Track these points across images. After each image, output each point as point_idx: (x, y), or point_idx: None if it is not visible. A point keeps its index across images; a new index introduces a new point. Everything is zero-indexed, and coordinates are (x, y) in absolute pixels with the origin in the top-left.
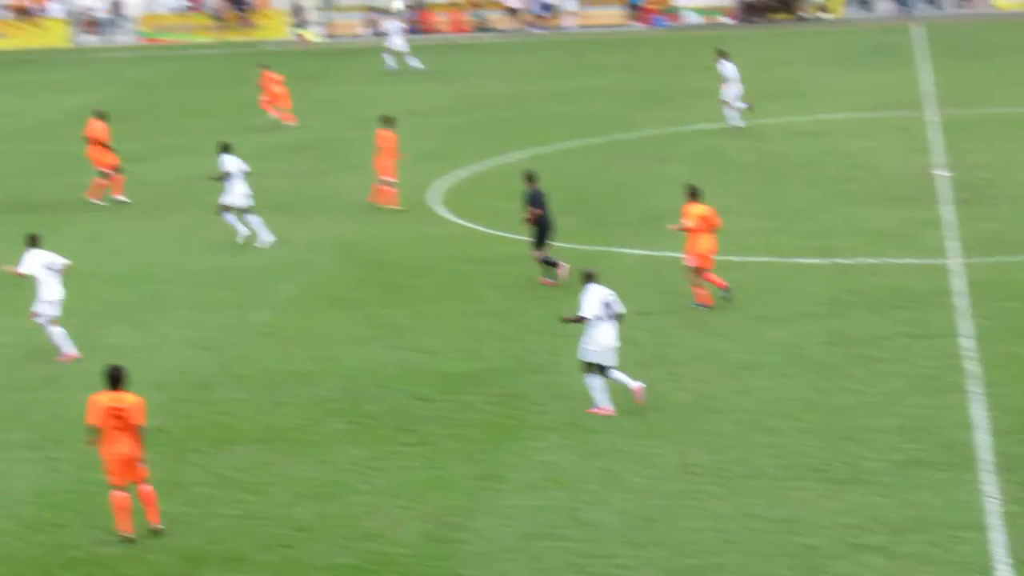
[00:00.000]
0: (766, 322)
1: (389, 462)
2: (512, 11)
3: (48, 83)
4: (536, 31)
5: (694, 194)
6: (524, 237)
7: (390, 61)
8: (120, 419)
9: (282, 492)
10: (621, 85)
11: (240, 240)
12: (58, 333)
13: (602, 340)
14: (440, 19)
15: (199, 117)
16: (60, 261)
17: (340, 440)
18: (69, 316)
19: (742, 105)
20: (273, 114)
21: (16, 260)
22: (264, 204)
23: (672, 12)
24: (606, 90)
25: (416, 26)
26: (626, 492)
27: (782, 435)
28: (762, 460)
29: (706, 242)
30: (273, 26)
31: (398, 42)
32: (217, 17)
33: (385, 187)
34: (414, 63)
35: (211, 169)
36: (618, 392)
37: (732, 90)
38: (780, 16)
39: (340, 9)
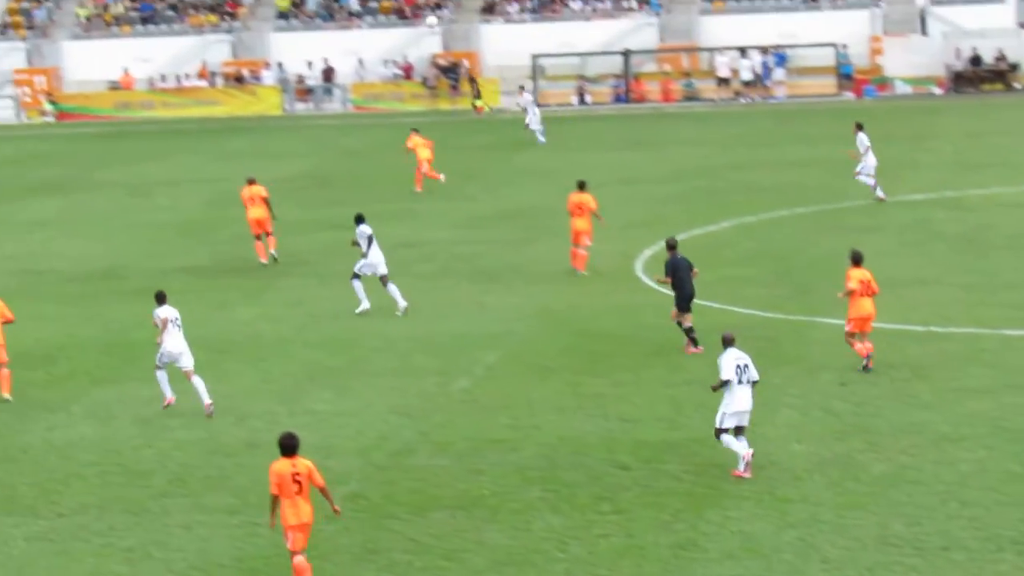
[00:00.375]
0: (970, 393)
1: (586, 530)
2: (722, 80)
3: (260, 150)
4: (746, 100)
5: (856, 259)
6: (729, 306)
7: (540, 137)
8: (299, 484)
9: (479, 559)
10: (830, 155)
11: (360, 311)
12: (163, 378)
13: (738, 403)
14: (650, 88)
15: (407, 184)
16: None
17: (537, 508)
18: (272, 381)
19: (869, 181)
20: (428, 178)
21: (209, 321)
22: (469, 272)
23: (883, 82)
24: (815, 160)
25: (626, 95)
26: (823, 563)
27: (982, 507)
28: (962, 532)
29: (865, 306)
30: (485, 94)
31: (532, 116)
32: (427, 85)
33: (579, 251)
34: (540, 137)
35: (410, 236)
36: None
37: (868, 162)
38: (992, 87)
39: (550, 78)
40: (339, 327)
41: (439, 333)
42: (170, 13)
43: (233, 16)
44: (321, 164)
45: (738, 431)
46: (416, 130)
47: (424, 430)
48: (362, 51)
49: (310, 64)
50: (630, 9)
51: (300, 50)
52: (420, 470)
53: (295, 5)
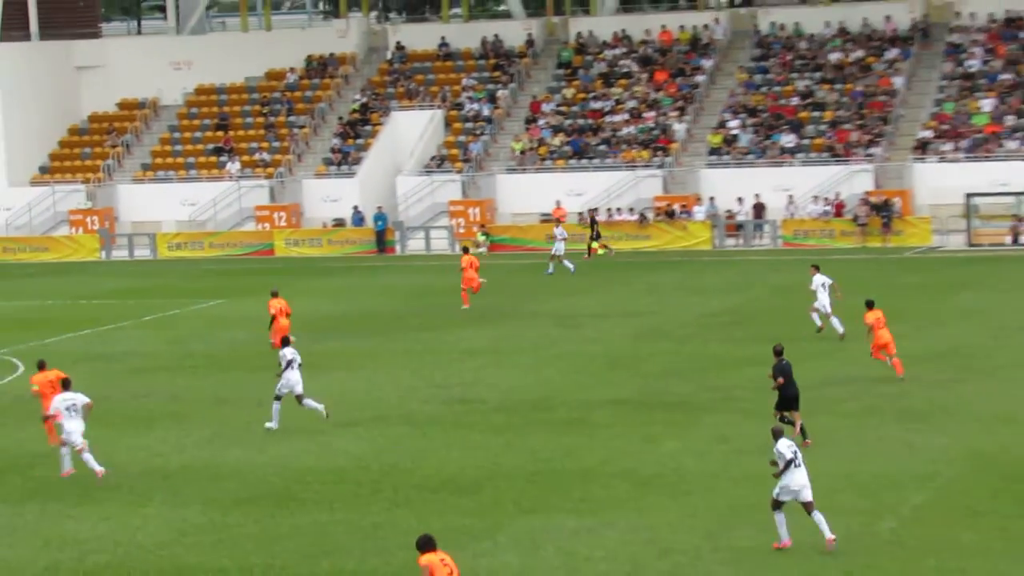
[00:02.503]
0: None
1: None
2: None
3: (688, 284)
4: None
5: None
6: None
7: (551, 267)
8: (449, 568)
9: None
10: None
11: (268, 427)
12: (89, 459)
13: (795, 481)
14: None
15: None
16: (83, 400)
17: None
18: (695, 515)
19: (818, 316)
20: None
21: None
22: (895, 411)
23: None
24: None
25: None
26: None
27: None
28: None
29: None
30: (917, 233)
31: (560, 247)
32: (858, 223)
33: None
34: (568, 264)
35: (836, 374)
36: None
37: (820, 300)
38: None
39: (983, 217)
40: (764, 463)
41: (864, 472)
42: (603, 147)
43: (665, 152)
44: (749, 300)
45: (807, 507)
46: (467, 250)
47: (849, 570)
48: (793, 187)
49: (740, 200)
50: None
51: (731, 186)
52: None
53: (727, 142)
